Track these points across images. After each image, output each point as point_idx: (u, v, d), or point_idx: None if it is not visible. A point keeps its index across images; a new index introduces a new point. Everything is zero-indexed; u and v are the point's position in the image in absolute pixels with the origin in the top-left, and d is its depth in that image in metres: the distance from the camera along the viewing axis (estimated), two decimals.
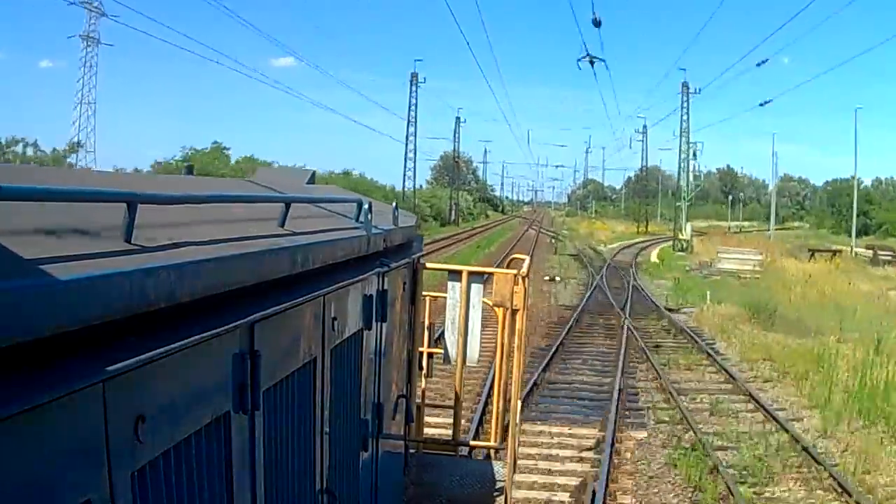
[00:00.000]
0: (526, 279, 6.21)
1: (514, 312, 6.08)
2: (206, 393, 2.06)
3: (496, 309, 6.16)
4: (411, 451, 5.96)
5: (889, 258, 50.53)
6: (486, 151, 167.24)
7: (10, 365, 1.29)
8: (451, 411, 6.88)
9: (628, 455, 12.20)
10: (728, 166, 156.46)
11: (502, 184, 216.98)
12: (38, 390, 1.34)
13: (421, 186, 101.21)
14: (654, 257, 55.43)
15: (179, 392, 1.90)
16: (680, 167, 71.94)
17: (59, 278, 1.39)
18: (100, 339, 1.53)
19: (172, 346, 1.76)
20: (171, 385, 1.84)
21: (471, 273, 6.09)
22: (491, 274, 6.33)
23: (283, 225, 2.78)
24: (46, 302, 1.36)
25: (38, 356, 1.36)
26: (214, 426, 2.09)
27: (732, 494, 10.29)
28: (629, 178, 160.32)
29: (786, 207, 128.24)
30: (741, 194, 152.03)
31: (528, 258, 7.24)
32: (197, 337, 1.89)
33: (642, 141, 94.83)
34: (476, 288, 6.02)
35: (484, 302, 6.12)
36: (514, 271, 6.14)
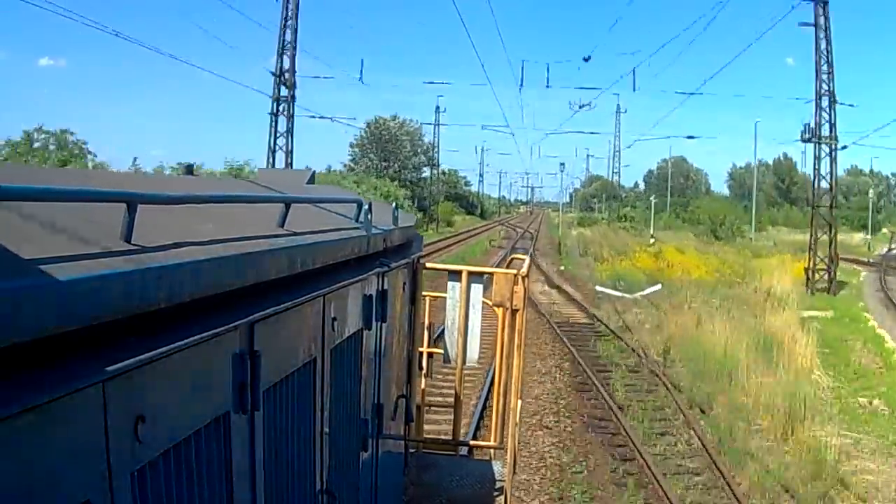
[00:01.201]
0: (526, 279, 6.21)
1: (513, 312, 6.08)
2: (206, 393, 2.06)
3: (496, 309, 6.16)
4: (411, 451, 5.97)
5: None
6: (438, 109, 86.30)
7: (10, 365, 1.30)
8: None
9: None
10: (785, 155, 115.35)
11: (481, 175, 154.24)
12: (38, 390, 1.34)
13: (328, 169, 70.09)
14: None
15: (179, 392, 1.90)
16: None
17: (59, 278, 1.39)
18: (100, 339, 1.53)
19: (172, 346, 1.76)
20: (171, 385, 1.84)
21: (471, 273, 6.09)
22: (491, 274, 6.33)
23: (283, 225, 2.77)
24: (46, 302, 1.36)
25: (38, 356, 1.36)
26: (214, 426, 2.09)
27: None
28: (650, 171, 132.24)
29: (862, 210, 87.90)
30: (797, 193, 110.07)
31: (527, 258, 7.24)
32: (197, 337, 1.89)
33: None
34: (476, 288, 6.02)
35: (484, 302, 6.12)
36: (514, 271, 6.14)
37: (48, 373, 1.38)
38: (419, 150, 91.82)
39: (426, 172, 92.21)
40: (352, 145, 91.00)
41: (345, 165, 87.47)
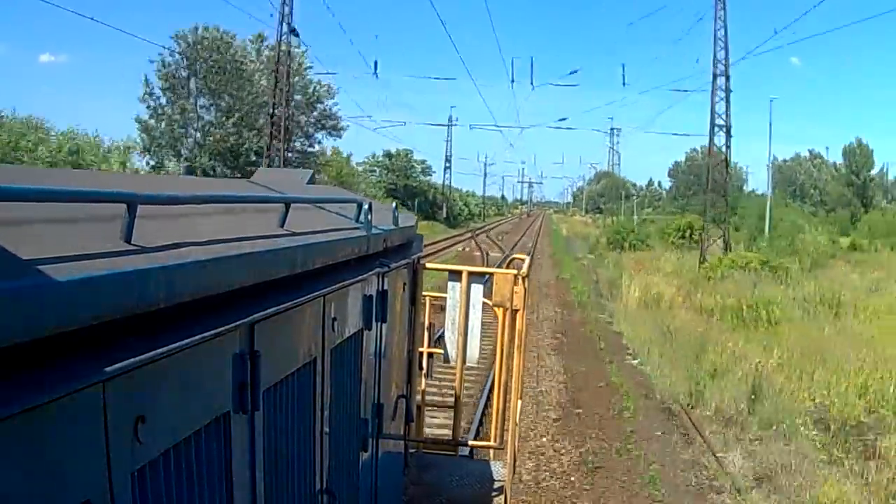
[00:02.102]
0: (526, 279, 6.21)
1: (514, 312, 6.08)
2: (206, 393, 2.06)
3: (496, 309, 6.16)
4: (411, 451, 5.97)
5: None
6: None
7: (10, 365, 1.30)
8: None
9: None
10: (859, 141, 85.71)
11: (448, 159, 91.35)
12: (38, 390, 1.34)
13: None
14: None
15: (179, 392, 1.90)
16: None
17: (59, 278, 1.39)
18: (100, 339, 1.53)
19: (172, 346, 1.76)
20: (171, 385, 1.84)
21: (471, 273, 6.09)
22: (491, 274, 6.33)
23: (283, 225, 2.78)
24: (46, 302, 1.36)
25: (38, 356, 1.36)
26: (214, 426, 2.09)
27: None
28: (676, 163, 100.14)
29: None
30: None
31: (527, 258, 7.24)
32: (197, 337, 1.89)
33: None
34: (476, 288, 6.03)
35: (484, 302, 6.12)
36: (514, 271, 6.14)
37: (48, 373, 1.38)
38: (309, 100, 47.01)
39: (325, 142, 52.10)
40: (148, 83, 46.59)
41: (140, 124, 45.85)
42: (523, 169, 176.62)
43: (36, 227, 1.64)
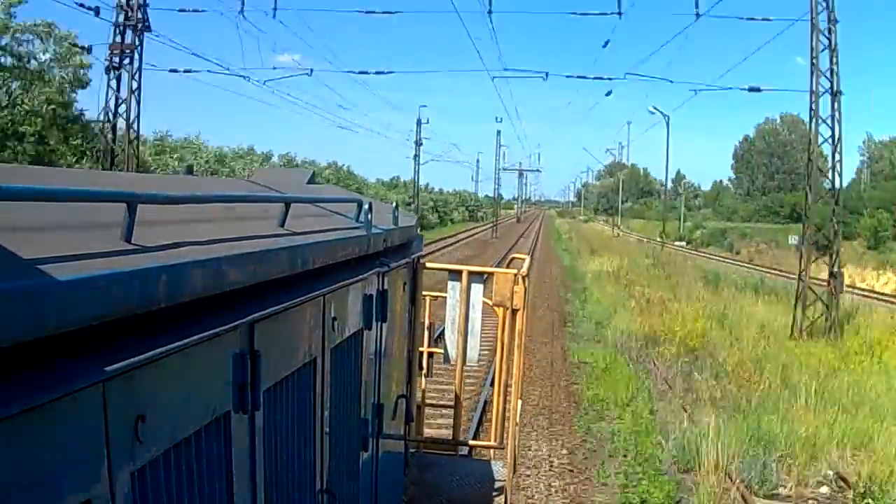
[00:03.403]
0: (526, 279, 6.21)
1: (514, 312, 6.08)
2: (206, 393, 2.06)
3: (496, 309, 6.16)
4: (411, 451, 5.97)
5: None
6: None
7: (10, 365, 1.30)
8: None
9: None
10: None
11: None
12: (38, 390, 1.34)
13: None
14: None
15: (179, 392, 1.90)
16: None
17: (59, 278, 1.40)
18: (100, 339, 1.53)
19: (172, 346, 1.76)
20: (171, 385, 1.84)
21: (471, 273, 6.09)
22: (491, 274, 6.33)
23: (283, 225, 2.78)
24: (46, 302, 1.36)
25: (38, 356, 1.36)
26: (214, 426, 2.09)
27: None
28: (746, 138, 69.19)
29: None
30: None
31: (527, 258, 7.24)
32: (197, 337, 1.89)
33: None
34: (476, 288, 6.03)
35: (484, 302, 6.12)
36: (515, 271, 6.14)
37: (48, 373, 1.38)
38: None
39: None
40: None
41: None
42: (499, 134, 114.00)
43: (36, 226, 1.64)
